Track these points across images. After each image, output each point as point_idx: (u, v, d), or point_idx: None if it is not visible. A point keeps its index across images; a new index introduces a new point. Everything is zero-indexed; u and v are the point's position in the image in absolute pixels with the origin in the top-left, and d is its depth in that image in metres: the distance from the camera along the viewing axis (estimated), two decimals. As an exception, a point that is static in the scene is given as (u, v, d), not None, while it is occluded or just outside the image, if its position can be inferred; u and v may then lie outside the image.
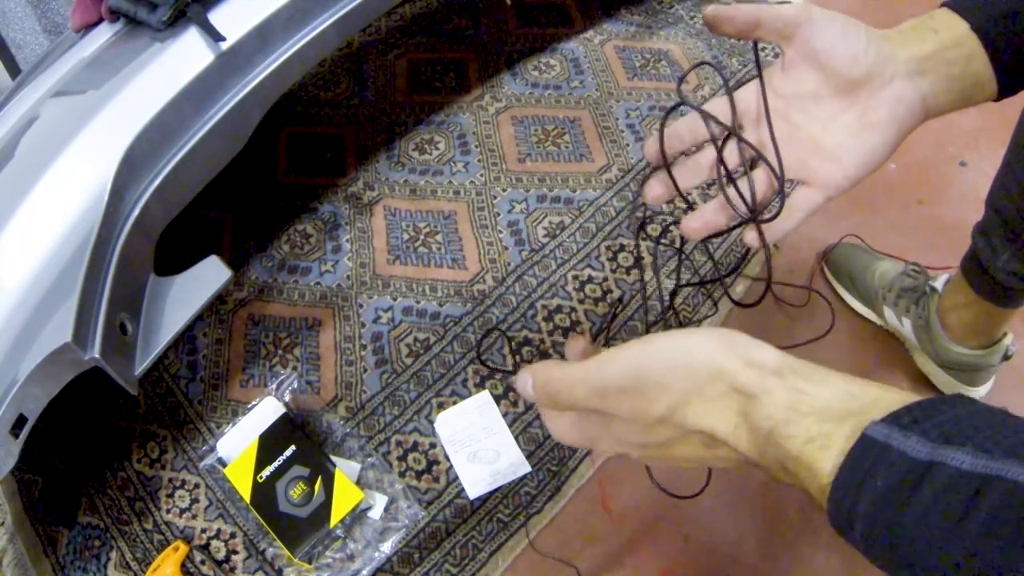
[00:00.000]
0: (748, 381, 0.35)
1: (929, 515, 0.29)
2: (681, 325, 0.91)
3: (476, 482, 0.87)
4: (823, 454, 0.33)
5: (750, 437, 0.35)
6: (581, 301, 1.05)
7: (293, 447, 0.88)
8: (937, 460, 0.29)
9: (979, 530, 0.27)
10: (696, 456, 0.39)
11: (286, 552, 0.82)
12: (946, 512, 0.28)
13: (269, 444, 0.88)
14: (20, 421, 0.67)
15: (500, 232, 1.13)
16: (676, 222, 1.14)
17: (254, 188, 1.23)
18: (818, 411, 0.34)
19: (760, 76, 0.48)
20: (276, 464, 0.87)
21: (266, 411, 0.92)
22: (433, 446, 0.91)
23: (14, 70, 1.25)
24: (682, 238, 0.50)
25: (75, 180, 0.74)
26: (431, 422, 0.93)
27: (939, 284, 0.92)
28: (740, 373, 0.36)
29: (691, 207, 0.49)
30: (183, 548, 0.83)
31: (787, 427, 0.34)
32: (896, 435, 0.31)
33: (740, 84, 0.50)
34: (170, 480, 0.90)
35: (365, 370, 0.99)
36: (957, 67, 0.41)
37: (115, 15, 0.87)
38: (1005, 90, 0.42)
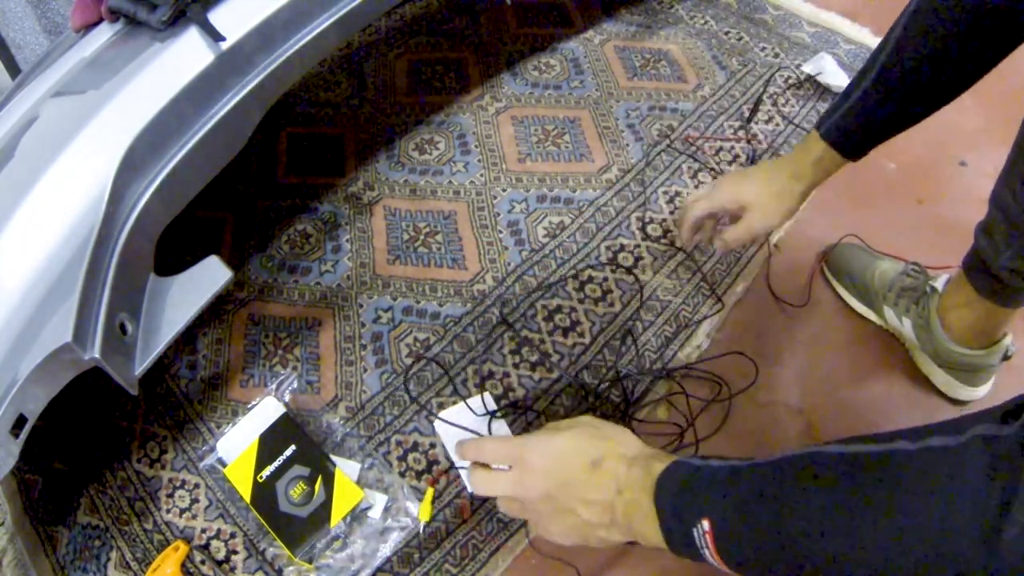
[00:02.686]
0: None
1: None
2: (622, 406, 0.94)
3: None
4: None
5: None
6: (581, 301, 1.05)
7: (293, 447, 0.88)
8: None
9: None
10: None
11: (286, 552, 0.82)
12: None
13: (269, 444, 0.88)
14: (20, 421, 0.67)
15: (500, 232, 1.13)
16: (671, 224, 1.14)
17: (254, 188, 1.23)
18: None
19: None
20: (276, 464, 0.87)
21: (266, 411, 0.92)
22: (433, 446, 0.91)
23: (14, 70, 1.25)
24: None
25: (75, 180, 0.74)
26: (431, 422, 0.93)
27: (939, 284, 0.92)
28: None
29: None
30: (183, 548, 0.83)
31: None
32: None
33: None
34: (170, 480, 0.90)
35: (365, 370, 0.99)
36: (822, 168, 0.84)
37: (115, 15, 0.87)
38: (854, 156, 0.82)
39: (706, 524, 0.47)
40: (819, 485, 0.42)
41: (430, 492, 0.86)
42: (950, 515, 0.34)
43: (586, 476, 0.55)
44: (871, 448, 0.41)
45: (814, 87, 1.35)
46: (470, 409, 0.92)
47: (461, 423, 0.91)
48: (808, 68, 1.36)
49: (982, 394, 0.93)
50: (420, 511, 0.84)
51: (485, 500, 0.86)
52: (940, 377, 0.94)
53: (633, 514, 0.53)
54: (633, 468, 0.54)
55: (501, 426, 0.91)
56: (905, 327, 0.96)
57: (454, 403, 0.94)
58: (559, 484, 0.57)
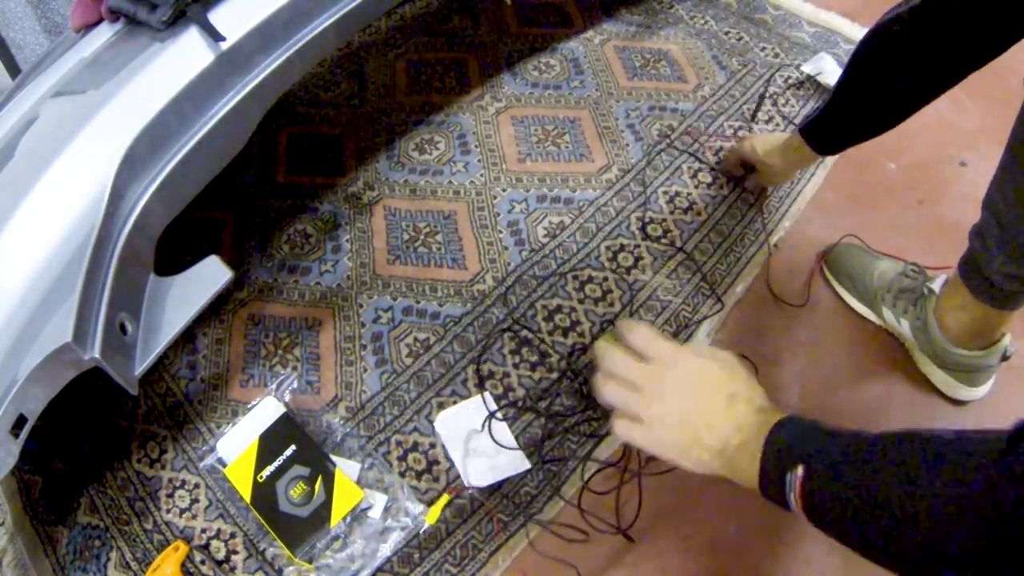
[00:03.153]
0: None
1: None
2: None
3: (475, 480, 0.87)
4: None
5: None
6: (581, 301, 1.05)
7: (293, 447, 0.88)
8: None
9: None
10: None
11: (286, 552, 0.82)
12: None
13: (269, 444, 0.88)
14: (20, 421, 0.67)
15: (500, 232, 1.13)
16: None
17: (254, 188, 1.23)
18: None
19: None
20: (276, 464, 0.87)
21: (266, 411, 0.92)
22: (433, 446, 0.91)
23: (14, 70, 1.25)
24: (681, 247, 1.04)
25: (75, 180, 0.74)
26: (431, 422, 0.93)
27: (936, 286, 0.92)
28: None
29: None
30: (183, 548, 0.83)
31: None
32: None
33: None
34: (170, 480, 0.90)
35: (365, 370, 0.99)
36: (804, 155, 1.00)
37: (115, 15, 0.87)
38: (823, 153, 0.98)
39: (800, 471, 0.51)
40: (907, 462, 0.46)
41: (445, 498, 0.86)
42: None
43: (721, 405, 0.59)
44: (945, 433, 0.46)
45: (814, 87, 1.35)
46: (470, 407, 0.92)
47: (461, 422, 0.91)
48: (808, 68, 1.36)
49: (982, 394, 0.93)
50: (429, 514, 0.84)
51: (485, 501, 0.86)
52: (939, 377, 0.94)
53: (740, 453, 0.57)
54: (758, 415, 0.58)
55: (501, 427, 0.91)
56: (904, 328, 0.96)
57: (454, 403, 0.94)
58: (696, 405, 0.60)
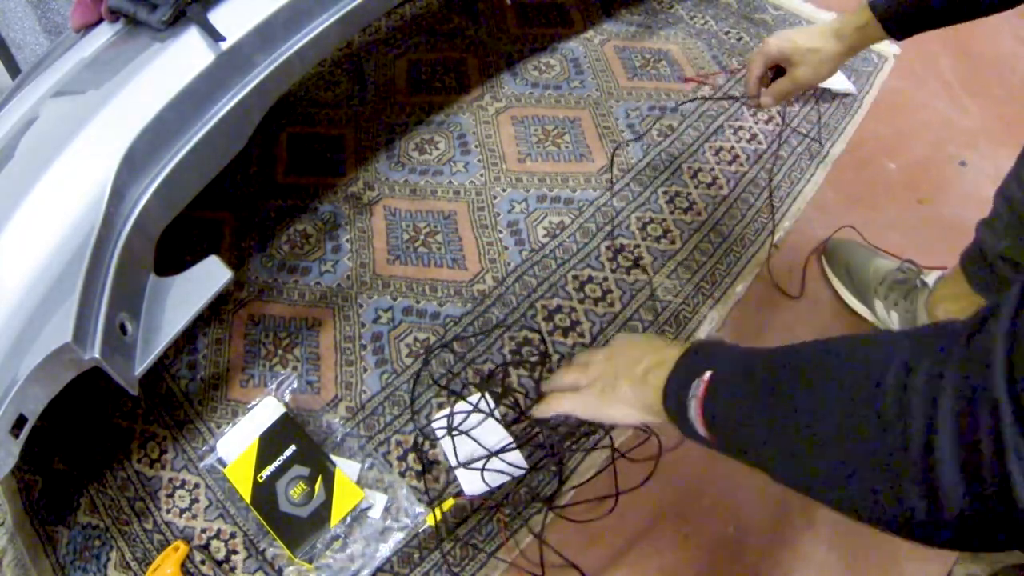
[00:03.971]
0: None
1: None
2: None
3: (474, 481, 0.87)
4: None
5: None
6: (581, 301, 1.05)
7: (293, 447, 0.88)
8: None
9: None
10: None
11: (286, 552, 0.82)
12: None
13: (269, 444, 0.88)
14: (20, 421, 0.67)
15: (500, 232, 1.13)
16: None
17: (254, 188, 1.23)
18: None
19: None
20: (276, 464, 0.87)
21: (266, 411, 0.92)
22: (433, 446, 0.91)
23: (14, 70, 1.25)
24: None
25: (75, 180, 0.74)
26: (431, 422, 0.93)
27: (931, 279, 0.92)
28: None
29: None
30: (183, 548, 0.83)
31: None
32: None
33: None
34: (170, 480, 0.90)
35: (365, 370, 0.99)
36: (864, 36, 0.82)
37: (115, 15, 0.87)
38: (896, 33, 0.80)
39: (707, 375, 0.53)
40: (817, 361, 0.45)
41: (451, 501, 0.86)
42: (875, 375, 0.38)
43: (639, 361, 0.66)
44: (868, 335, 0.45)
45: (814, 87, 1.35)
46: (469, 407, 0.92)
47: (461, 424, 0.91)
48: None
49: None
50: (429, 515, 0.84)
51: (485, 500, 0.86)
52: None
53: (653, 377, 0.62)
54: (671, 348, 0.63)
55: (498, 427, 0.91)
56: (893, 321, 0.96)
57: (454, 403, 0.94)
58: (617, 364, 0.69)
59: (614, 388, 0.67)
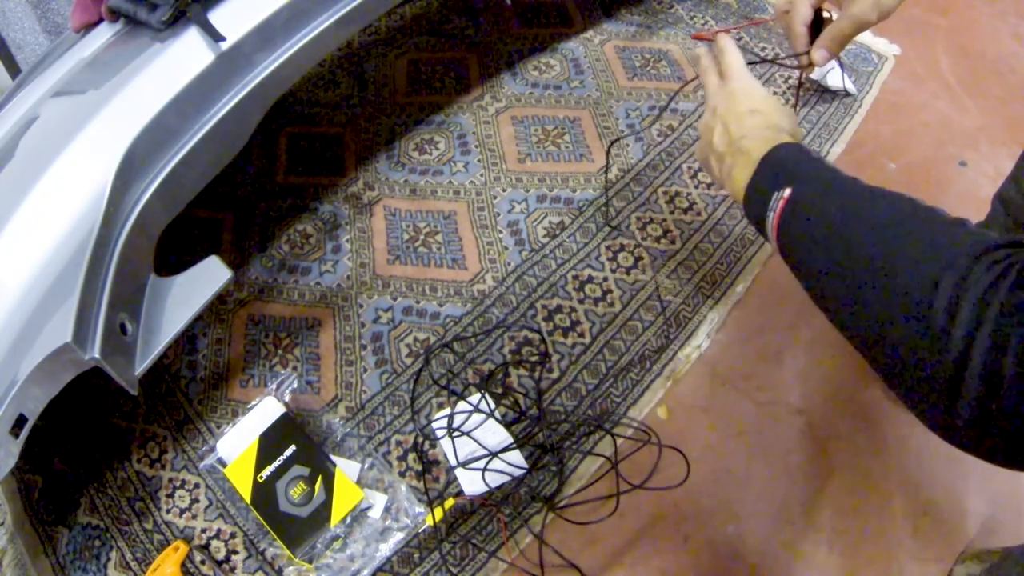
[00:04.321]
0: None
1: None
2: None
3: (474, 481, 0.87)
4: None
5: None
6: (581, 301, 1.05)
7: (293, 447, 0.88)
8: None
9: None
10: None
11: (286, 552, 0.82)
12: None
13: (269, 444, 0.88)
14: (20, 421, 0.67)
15: (500, 232, 1.13)
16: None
17: (254, 188, 1.23)
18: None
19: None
20: (276, 464, 0.87)
21: (266, 411, 0.92)
22: (433, 446, 0.91)
23: (14, 70, 1.25)
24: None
25: (75, 180, 0.74)
26: (431, 422, 0.93)
27: None
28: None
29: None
30: (183, 548, 0.83)
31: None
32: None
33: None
34: (170, 480, 0.90)
35: (365, 370, 0.99)
36: None
37: (115, 15, 0.87)
38: None
39: (787, 192, 0.52)
40: (897, 217, 0.46)
41: (451, 501, 0.85)
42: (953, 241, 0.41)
43: (741, 112, 0.65)
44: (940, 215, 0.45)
45: (815, 87, 1.35)
46: (469, 407, 0.92)
47: (460, 423, 0.91)
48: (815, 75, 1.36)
49: None
50: (434, 515, 0.84)
51: (485, 500, 0.86)
52: None
53: (738, 160, 0.61)
54: (769, 130, 0.61)
55: (498, 428, 0.91)
56: None
57: (454, 403, 0.94)
58: (725, 105, 0.67)
59: (706, 150, 0.68)
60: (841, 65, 1.36)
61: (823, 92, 1.34)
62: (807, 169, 0.54)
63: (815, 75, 1.35)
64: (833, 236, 0.47)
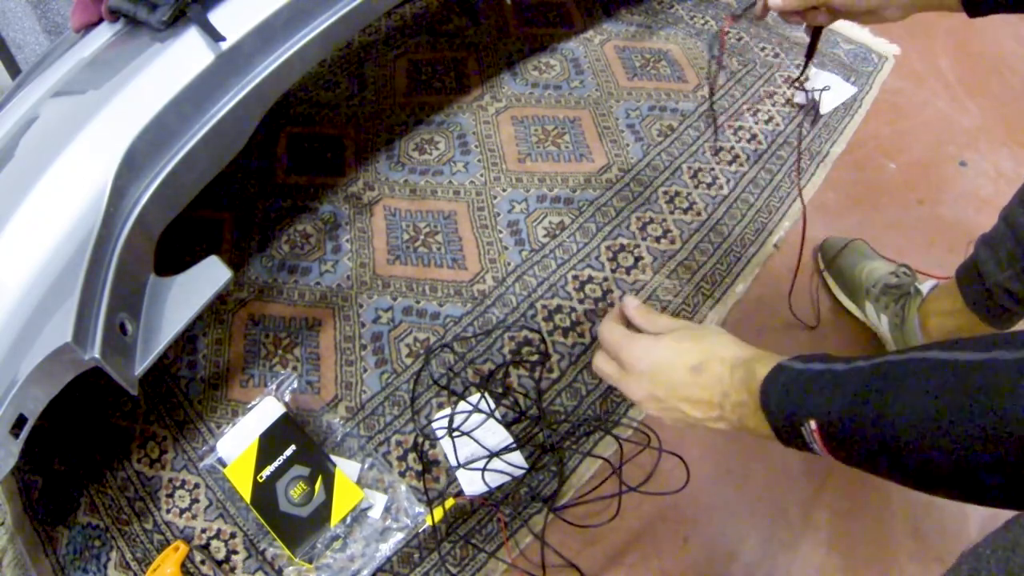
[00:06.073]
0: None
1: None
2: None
3: (474, 481, 0.87)
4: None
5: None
6: (581, 301, 1.05)
7: (293, 447, 0.88)
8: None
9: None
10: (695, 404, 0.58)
11: (286, 552, 0.82)
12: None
13: (269, 444, 0.88)
14: (20, 421, 0.67)
15: (500, 232, 1.13)
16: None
17: (254, 188, 1.23)
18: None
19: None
20: (276, 464, 0.87)
21: (266, 411, 0.92)
22: (433, 446, 0.91)
23: (14, 70, 1.25)
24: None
25: (75, 180, 0.74)
26: (431, 422, 0.93)
27: (924, 287, 0.91)
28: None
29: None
30: (183, 548, 0.83)
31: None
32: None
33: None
34: (170, 480, 0.90)
35: (365, 370, 0.99)
36: None
37: (115, 15, 0.87)
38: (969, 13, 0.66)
39: (813, 424, 0.50)
40: (920, 389, 0.45)
41: (451, 501, 0.85)
42: None
43: (690, 379, 0.58)
44: (970, 357, 0.44)
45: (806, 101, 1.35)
46: (469, 407, 0.92)
47: (460, 423, 0.91)
48: (800, 99, 1.33)
49: None
50: (433, 515, 0.84)
51: (485, 500, 0.86)
52: None
53: (742, 412, 0.56)
54: (736, 371, 0.56)
55: (498, 428, 0.91)
56: (883, 324, 0.96)
57: (454, 403, 0.94)
58: (663, 387, 0.60)
59: (688, 422, 0.60)
60: (840, 63, 1.36)
61: (801, 107, 1.32)
62: (808, 395, 0.51)
63: (804, 100, 1.32)
64: (886, 449, 0.47)
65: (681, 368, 0.59)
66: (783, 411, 0.53)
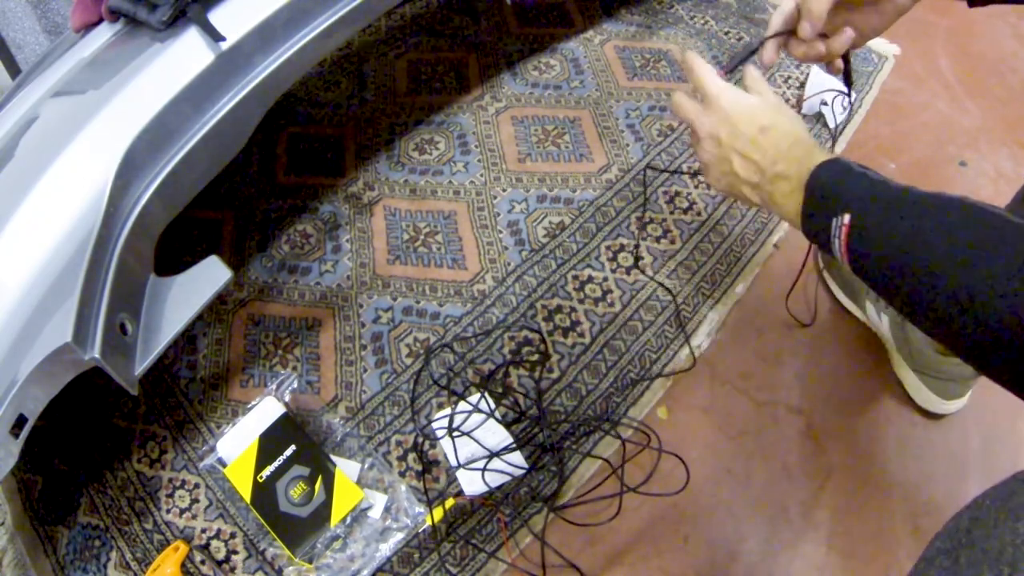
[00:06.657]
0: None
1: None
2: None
3: (474, 481, 0.87)
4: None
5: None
6: (581, 301, 1.05)
7: (293, 447, 0.88)
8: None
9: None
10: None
11: (286, 552, 0.82)
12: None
13: (269, 444, 0.88)
14: (20, 421, 0.67)
15: (500, 232, 1.13)
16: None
17: (254, 188, 1.23)
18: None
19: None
20: (276, 464, 0.87)
21: (266, 411, 0.92)
22: (433, 446, 0.91)
23: (14, 70, 1.25)
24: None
25: (75, 180, 0.74)
26: (431, 422, 0.93)
27: None
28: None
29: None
30: (183, 548, 0.83)
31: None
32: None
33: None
34: (170, 480, 0.90)
35: (365, 370, 0.99)
36: None
37: (115, 15, 0.87)
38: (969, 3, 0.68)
39: (846, 218, 0.51)
40: (962, 224, 0.46)
41: (451, 501, 0.85)
42: None
43: (754, 135, 0.61)
44: (1019, 221, 0.45)
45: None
46: (469, 407, 0.92)
47: (460, 423, 0.91)
48: (806, 109, 1.33)
49: (955, 408, 0.91)
50: (433, 515, 0.84)
51: (485, 500, 0.86)
52: (911, 381, 0.93)
53: (779, 186, 0.59)
54: (795, 147, 0.59)
55: (498, 428, 0.91)
56: (883, 324, 0.96)
57: (454, 403, 0.94)
58: (728, 131, 0.63)
59: (731, 180, 0.64)
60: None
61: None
62: (857, 190, 0.53)
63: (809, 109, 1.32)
64: (907, 264, 0.48)
65: (753, 123, 0.62)
66: (826, 196, 0.54)
